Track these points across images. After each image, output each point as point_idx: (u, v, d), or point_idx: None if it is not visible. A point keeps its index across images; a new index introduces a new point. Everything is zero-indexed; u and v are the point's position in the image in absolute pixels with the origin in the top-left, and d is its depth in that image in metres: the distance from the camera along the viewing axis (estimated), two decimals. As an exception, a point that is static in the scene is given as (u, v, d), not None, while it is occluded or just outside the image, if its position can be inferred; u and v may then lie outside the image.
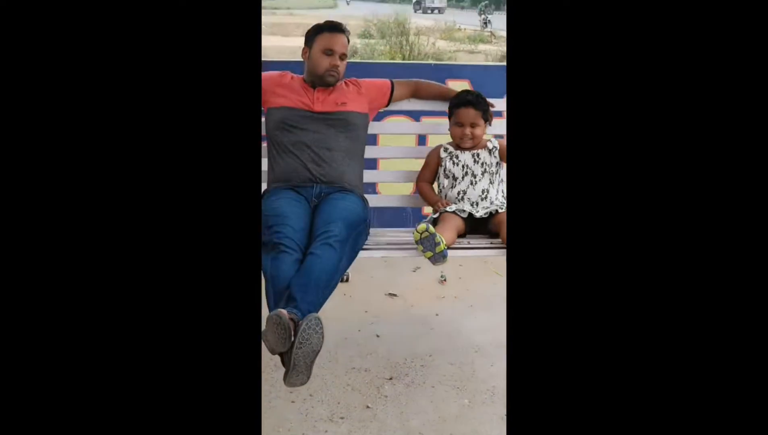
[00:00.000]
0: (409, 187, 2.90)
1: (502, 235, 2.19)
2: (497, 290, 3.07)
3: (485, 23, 19.22)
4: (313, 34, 2.41)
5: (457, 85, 2.99)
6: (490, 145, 2.41)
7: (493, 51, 13.56)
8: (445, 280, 3.15)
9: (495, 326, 2.72)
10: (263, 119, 2.39)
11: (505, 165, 2.42)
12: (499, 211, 2.27)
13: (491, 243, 2.22)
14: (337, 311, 2.76)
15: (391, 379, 2.34)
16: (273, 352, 1.77)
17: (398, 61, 9.12)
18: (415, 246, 2.09)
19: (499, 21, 17.14)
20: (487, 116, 2.41)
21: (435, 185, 2.50)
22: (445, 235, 2.10)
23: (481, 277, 3.21)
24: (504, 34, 2.81)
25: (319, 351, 1.76)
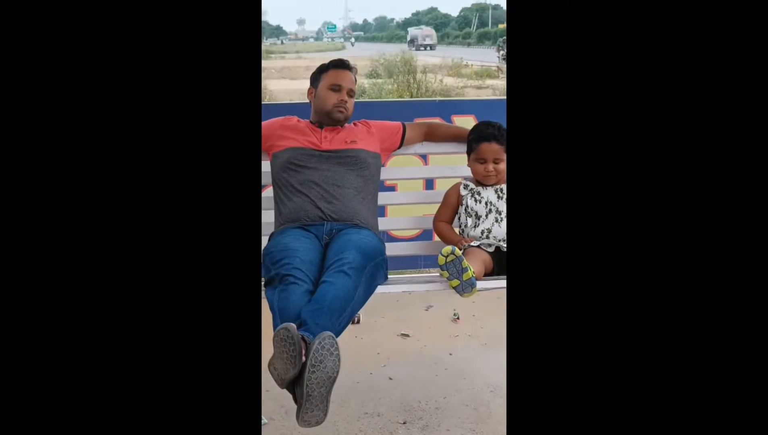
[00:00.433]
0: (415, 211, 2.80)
1: None
2: (512, 327, 3.00)
3: (504, 59, 19.45)
4: (318, 73, 2.36)
5: (463, 121, 2.96)
6: (507, 182, 2.23)
7: (501, 86, 13.66)
8: (458, 318, 3.09)
9: (510, 364, 2.65)
10: (268, 161, 2.32)
11: None
12: None
13: None
14: (347, 354, 2.69)
15: (405, 423, 2.27)
16: (282, 383, 1.56)
17: (406, 99, 9.18)
18: (439, 276, 1.93)
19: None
20: None
21: (456, 228, 2.33)
22: (473, 265, 1.94)
23: (495, 314, 3.15)
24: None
25: (335, 378, 1.53)
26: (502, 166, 2.20)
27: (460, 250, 1.99)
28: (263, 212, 1.98)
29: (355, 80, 2.37)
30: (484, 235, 2.16)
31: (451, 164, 2.64)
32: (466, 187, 2.28)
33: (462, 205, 2.26)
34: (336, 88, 2.29)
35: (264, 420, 2.23)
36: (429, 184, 3.12)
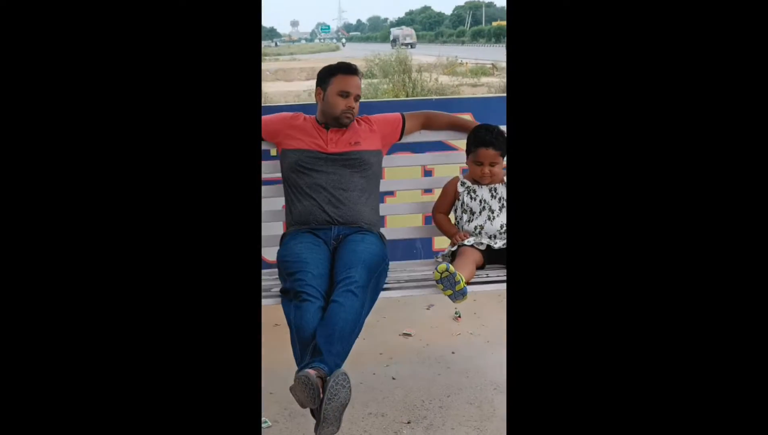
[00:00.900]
0: (417, 219, 2.93)
1: None
2: (514, 324, 3.00)
3: None
4: (327, 75, 2.42)
5: (462, 118, 2.99)
6: (506, 180, 2.39)
7: (496, 83, 13.66)
8: (459, 316, 3.09)
9: (513, 362, 2.65)
10: (277, 160, 2.45)
11: None
12: None
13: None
14: (350, 355, 2.69)
15: (409, 422, 2.27)
16: (303, 406, 1.81)
17: (402, 98, 9.17)
18: (434, 283, 2.11)
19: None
20: (505, 153, 2.36)
21: (452, 216, 2.51)
22: (465, 270, 2.13)
23: (497, 311, 3.15)
24: (505, 66, 2.81)
25: (347, 403, 1.78)
26: (498, 168, 2.39)
27: (455, 246, 2.30)
28: (263, 200, 2.06)
29: (361, 82, 2.45)
30: (477, 230, 2.36)
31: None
32: (463, 184, 2.44)
33: (459, 201, 2.43)
34: (345, 95, 2.37)
35: (266, 422, 2.22)
36: (427, 173, 3.23)
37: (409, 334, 2.93)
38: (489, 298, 3.26)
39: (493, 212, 2.37)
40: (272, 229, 2.49)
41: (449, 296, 2.08)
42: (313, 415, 1.79)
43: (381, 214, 2.50)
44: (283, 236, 2.35)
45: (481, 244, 2.30)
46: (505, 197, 2.36)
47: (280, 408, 2.28)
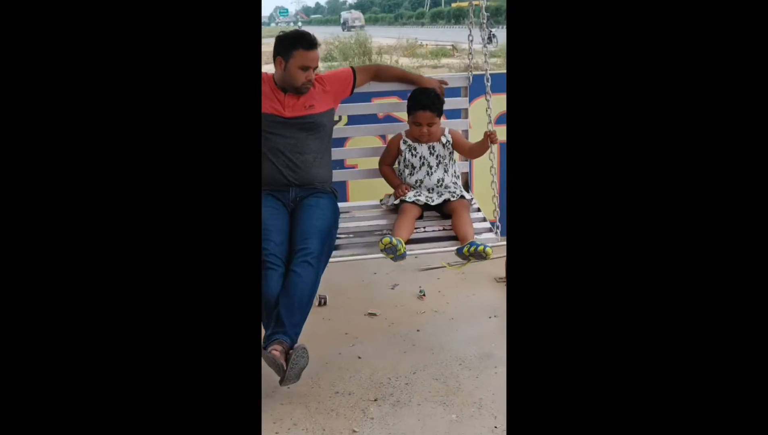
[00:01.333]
0: (375, 184, 3.06)
1: (453, 221, 2.56)
2: (477, 301, 3.04)
3: (489, 38, 19.17)
4: (289, 47, 2.53)
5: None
6: (443, 140, 2.72)
7: (456, 64, 13.69)
8: (424, 295, 3.12)
9: (478, 337, 2.69)
10: None
11: (456, 154, 2.76)
12: (451, 199, 2.64)
13: (443, 228, 2.59)
14: (316, 336, 2.71)
15: (375, 400, 2.29)
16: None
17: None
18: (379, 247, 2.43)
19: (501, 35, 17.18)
20: (441, 113, 2.71)
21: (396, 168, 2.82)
22: (405, 230, 2.50)
23: (460, 289, 3.19)
24: (465, 47, 2.91)
25: (306, 366, 2.18)
26: (435, 128, 2.70)
27: (398, 199, 2.68)
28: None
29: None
30: (418, 183, 2.73)
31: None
32: (405, 142, 2.75)
33: (401, 156, 2.76)
34: (305, 69, 2.54)
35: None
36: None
37: (374, 314, 2.95)
38: (452, 277, 3.30)
39: (431, 168, 2.72)
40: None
41: (391, 259, 2.42)
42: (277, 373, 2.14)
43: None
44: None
45: (420, 200, 2.64)
46: (443, 155, 2.71)
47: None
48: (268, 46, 2.62)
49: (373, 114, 3.18)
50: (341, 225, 2.65)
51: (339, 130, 2.90)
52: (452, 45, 17.58)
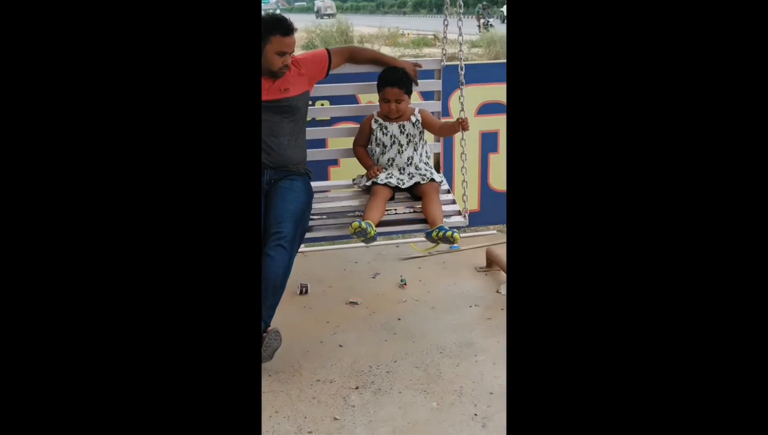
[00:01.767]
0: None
1: (423, 204, 2.62)
2: (458, 290, 3.06)
3: (485, 26, 19.03)
4: (266, 33, 2.52)
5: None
6: (413, 119, 2.79)
7: (437, 53, 13.64)
8: (405, 284, 3.13)
9: (458, 326, 2.71)
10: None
11: (425, 132, 2.83)
12: (422, 182, 2.70)
13: (413, 209, 2.66)
14: (297, 324, 2.72)
15: (357, 388, 2.30)
16: None
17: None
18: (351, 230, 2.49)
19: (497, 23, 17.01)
20: (410, 91, 2.77)
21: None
22: (376, 213, 2.55)
23: (441, 278, 3.20)
24: (449, 37, 2.92)
25: (279, 347, 2.29)
26: (403, 105, 2.76)
27: (370, 181, 2.74)
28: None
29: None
30: (389, 162, 2.79)
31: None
32: (376, 121, 2.81)
33: (373, 136, 2.81)
34: (282, 54, 2.56)
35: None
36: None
37: (355, 303, 2.96)
38: (434, 266, 3.32)
39: (402, 146, 2.78)
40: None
41: (362, 241, 2.51)
42: None
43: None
44: None
45: (391, 182, 2.71)
46: (413, 133, 2.78)
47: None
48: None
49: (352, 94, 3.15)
50: (315, 205, 2.69)
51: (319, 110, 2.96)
52: (434, 34, 17.55)
